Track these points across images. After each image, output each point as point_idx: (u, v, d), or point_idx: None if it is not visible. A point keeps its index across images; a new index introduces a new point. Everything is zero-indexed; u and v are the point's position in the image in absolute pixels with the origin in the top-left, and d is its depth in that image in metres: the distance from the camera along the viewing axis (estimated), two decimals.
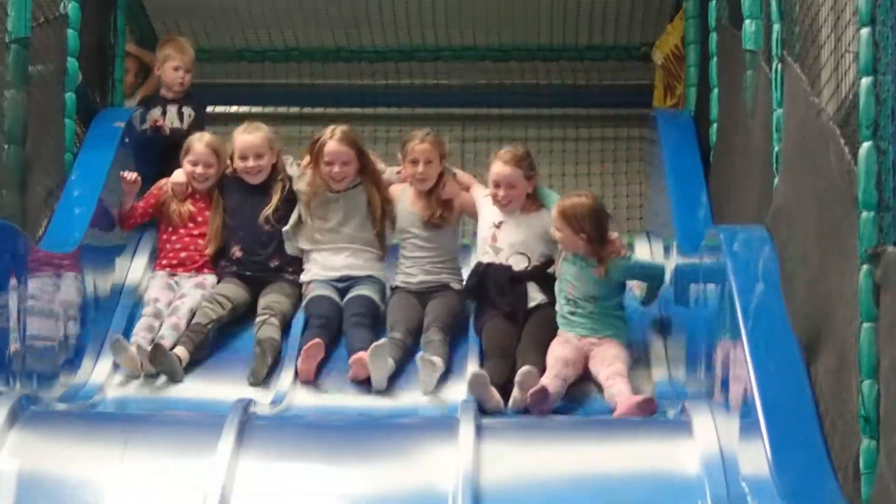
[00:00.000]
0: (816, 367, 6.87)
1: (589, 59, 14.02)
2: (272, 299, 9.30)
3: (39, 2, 9.78)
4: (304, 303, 9.37)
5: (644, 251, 10.34)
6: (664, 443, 7.37)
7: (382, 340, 8.67)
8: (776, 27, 8.38)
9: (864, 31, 6.09)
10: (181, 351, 8.86)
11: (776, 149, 8.20)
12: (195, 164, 9.74)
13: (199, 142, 9.88)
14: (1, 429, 7.34)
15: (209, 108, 11.84)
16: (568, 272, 8.90)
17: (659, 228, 10.83)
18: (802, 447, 6.47)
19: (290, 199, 9.59)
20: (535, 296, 9.27)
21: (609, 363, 8.59)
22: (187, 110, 11.33)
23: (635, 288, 9.44)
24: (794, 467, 6.29)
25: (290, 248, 9.51)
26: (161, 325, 9.21)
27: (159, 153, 11.28)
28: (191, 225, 9.53)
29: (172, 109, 11.29)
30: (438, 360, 8.70)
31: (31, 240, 8.96)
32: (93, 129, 10.95)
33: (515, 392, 8.45)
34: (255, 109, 13.72)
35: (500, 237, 9.30)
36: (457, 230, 9.73)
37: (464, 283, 9.64)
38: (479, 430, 7.31)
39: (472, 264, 9.60)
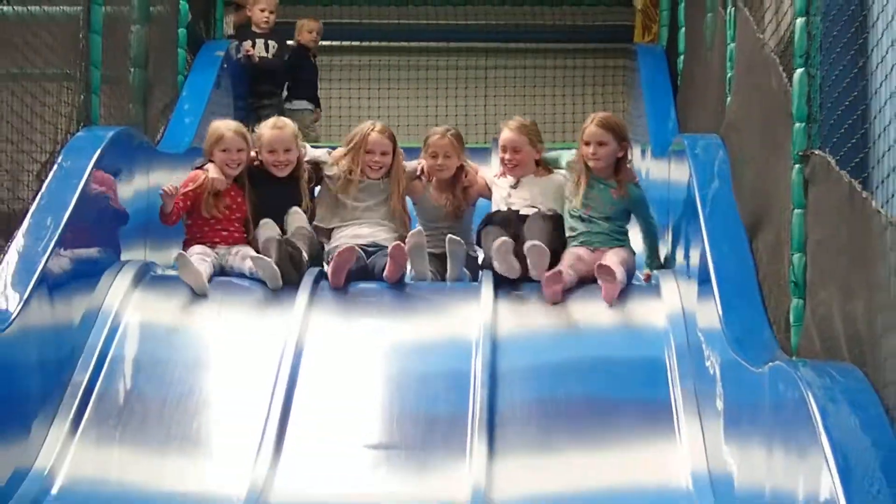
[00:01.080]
0: (757, 243, 6.91)
1: (585, 4, 13.94)
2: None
3: None
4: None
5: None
6: (639, 303, 7.38)
7: (418, 228, 7.86)
8: None
9: None
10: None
11: (729, 74, 8.22)
12: (227, 150, 8.13)
13: (228, 129, 8.20)
14: (127, 289, 7.40)
15: (291, 42, 11.84)
16: (588, 197, 7.94)
17: (637, 137, 10.80)
18: (746, 306, 6.50)
19: (312, 189, 8.44)
20: None
21: (608, 256, 7.69)
22: (272, 43, 11.43)
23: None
24: (739, 321, 6.31)
25: (319, 234, 8.27)
26: (211, 262, 7.82)
27: (249, 77, 11.34)
28: (226, 211, 8.16)
29: (260, 42, 11.36)
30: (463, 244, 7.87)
31: (152, 142, 9.00)
32: (199, 57, 11.01)
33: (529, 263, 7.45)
34: (326, 42, 13.60)
35: (514, 195, 8.13)
36: (472, 210, 8.51)
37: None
38: (497, 293, 7.34)
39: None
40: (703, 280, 6.85)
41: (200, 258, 7.73)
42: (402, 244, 7.56)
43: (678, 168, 8.18)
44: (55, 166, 7.43)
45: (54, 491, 6.14)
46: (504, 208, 8.05)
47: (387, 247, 7.82)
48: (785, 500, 4.75)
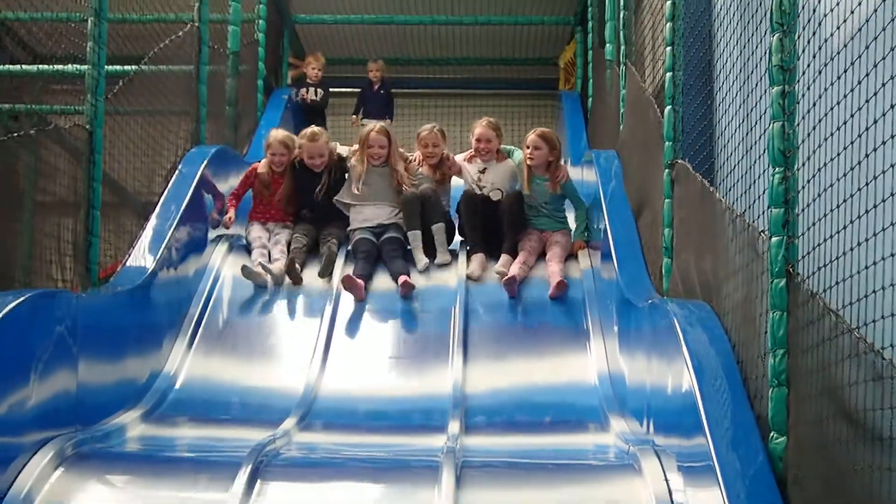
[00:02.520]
0: (640, 223, 6.92)
1: (528, 64, 13.82)
2: (330, 230, 7.59)
3: (244, 32, 9.75)
4: (351, 243, 7.57)
5: None
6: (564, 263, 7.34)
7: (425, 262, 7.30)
8: (622, 47, 8.34)
9: (668, 49, 6.07)
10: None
11: (622, 110, 8.18)
12: (273, 154, 7.72)
13: (276, 139, 7.80)
14: (224, 252, 7.45)
15: (332, 89, 11.77)
16: (532, 190, 7.41)
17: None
18: (633, 263, 6.51)
19: (338, 179, 7.78)
20: None
21: (553, 248, 7.29)
22: (320, 91, 11.32)
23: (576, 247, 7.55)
24: (628, 274, 6.32)
25: (340, 206, 7.75)
26: (269, 252, 7.41)
27: (303, 112, 11.32)
28: (274, 196, 7.71)
29: (311, 89, 11.25)
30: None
31: (240, 155, 9.00)
32: (271, 99, 10.95)
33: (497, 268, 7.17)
34: (355, 90, 13.51)
35: (483, 179, 7.60)
36: (449, 187, 7.91)
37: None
38: (468, 259, 7.33)
39: None
40: (605, 247, 6.84)
41: (260, 252, 7.37)
42: (410, 280, 7.05)
43: (588, 172, 8.18)
44: (177, 171, 7.43)
45: (177, 386, 6.17)
46: (476, 189, 7.60)
47: (389, 224, 7.52)
48: (659, 390, 4.80)
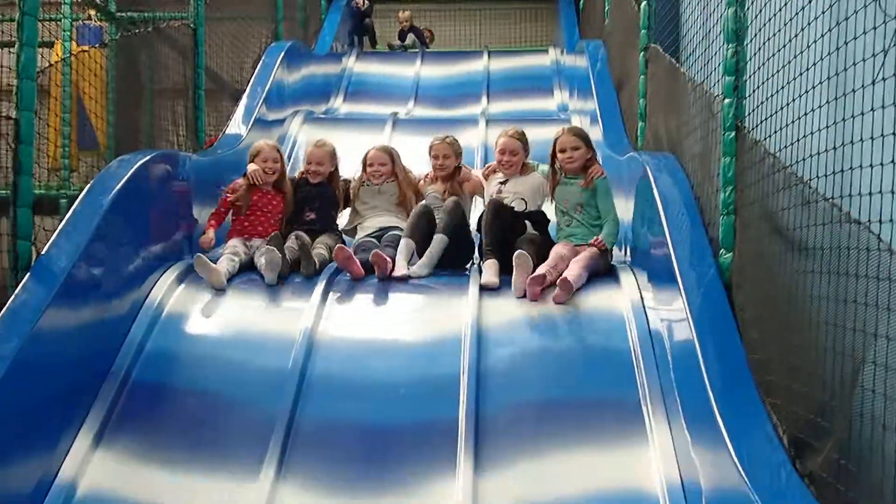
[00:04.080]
0: (621, 95, 6.80)
1: None
2: (325, 239, 4.97)
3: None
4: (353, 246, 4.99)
5: (555, 51, 10.05)
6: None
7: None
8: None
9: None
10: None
11: (607, 7, 7.92)
12: (265, 160, 5.17)
13: (267, 144, 5.31)
14: (300, 126, 7.32)
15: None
16: (563, 193, 4.90)
17: (559, 43, 10.51)
18: (614, 128, 6.40)
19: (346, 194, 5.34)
20: (531, 230, 4.90)
21: (574, 267, 4.42)
22: (366, 0, 11.13)
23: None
24: (611, 136, 6.23)
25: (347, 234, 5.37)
26: (238, 262, 4.70)
27: (356, 16, 11.10)
28: (259, 213, 5.09)
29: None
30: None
31: (310, 48, 8.79)
32: (332, 6, 10.77)
33: (515, 275, 4.39)
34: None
35: (504, 189, 5.04)
36: (469, 203, 5.37)
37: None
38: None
39: None
40: (593, 114, 6.76)
41: (229, 258, 4.70)
42: (382, 254, 4.66)
43: (580, 58, 7.99)
44: (261, 62, 7.35)
45: None
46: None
47: (391, 227, 5.21)
48: (635, 222, 4.76)
